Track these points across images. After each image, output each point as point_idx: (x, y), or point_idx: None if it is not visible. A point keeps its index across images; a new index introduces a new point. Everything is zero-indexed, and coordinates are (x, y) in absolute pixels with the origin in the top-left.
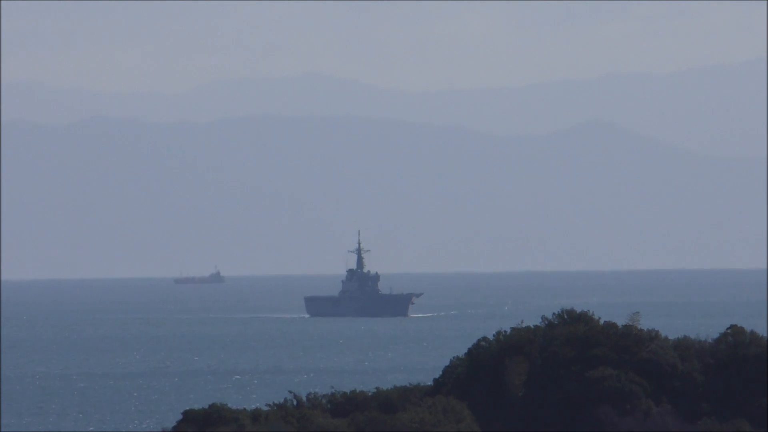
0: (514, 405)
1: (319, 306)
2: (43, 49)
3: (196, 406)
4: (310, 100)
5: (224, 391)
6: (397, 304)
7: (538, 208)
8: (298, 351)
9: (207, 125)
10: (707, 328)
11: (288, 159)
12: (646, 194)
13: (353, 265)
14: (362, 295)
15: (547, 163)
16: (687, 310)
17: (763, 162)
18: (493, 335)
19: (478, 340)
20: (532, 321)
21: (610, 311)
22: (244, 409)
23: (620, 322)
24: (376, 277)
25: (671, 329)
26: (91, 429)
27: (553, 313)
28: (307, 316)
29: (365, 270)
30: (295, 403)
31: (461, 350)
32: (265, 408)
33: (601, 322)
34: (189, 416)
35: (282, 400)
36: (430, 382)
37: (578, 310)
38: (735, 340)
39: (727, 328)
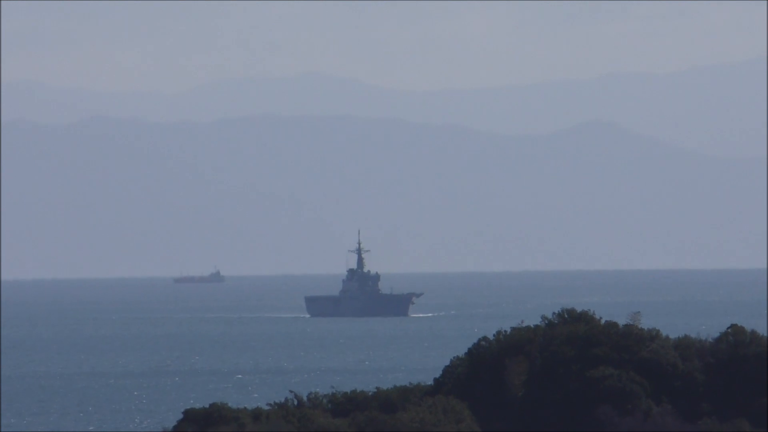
0: (514, 405)
1: (319, 306)
2: (44, 49)
3: (197, 406)
4: (310, 99)
5: (225, 391)
6: (398, 304)
7: (538, 208)
8: (298, 351)
9: (207, 125)
10: (708, 328)
11: (288, 159)
12: (646, 194)
13: (354, 265)
14: (363, 294)
15: (547, 162)
16: (687, 309)
17: (763, 162)
18: (494, 335)
19: (479, 340)
20: (533, 320)
21: (610, 311)
22: (245, 408)
23: (621, 321)
24: (377, 277)
25: (672, 329)
26: (91, 428)
27: (554, 313)
28: (308, 315)
29: (366, 270)
30: (295, 402)
31: (461, 350)
32: (266, 407)
33: (602, 321)
34: (190, 416)
35: (283, 400)
36: (430, 382)
37: (579, 309)
38: (735, 339)
39: (728, 328)
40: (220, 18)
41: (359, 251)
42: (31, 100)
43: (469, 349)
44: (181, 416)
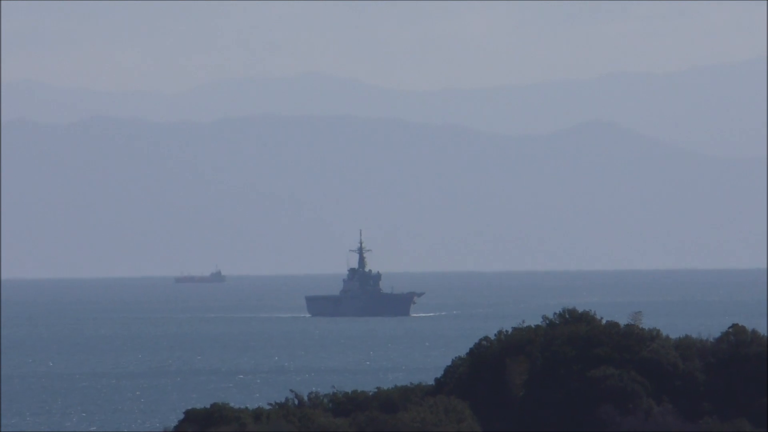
0: (515, 405)
1: (320, 305)
2: (44, 49)
3: (198, 406)
4: (310, 99)
5: (226, 391)
6: (399, 304)
7: (538, 208)
8: (299, 350)
9: (208, 125)
10: (708, 328)
11: (289, 159)
12: (646, 194)
13: (355, 265)
14: (364, 294)
15: (547, 162)
16: (688, 309)
17: (763, 162)
18: (495, 335)
19: (480, 340)
20: (534, 320)
21: (611, 311)
22: (246, 408)
23: (621, 321)
24: (378, 277)
25: (672, 328)
26: (93, 429)
27: (555, 313)
28: (309, 315)
29: (367, 269)
30: (296, 402)
31: (463, 350)
32: (267, 407)
33: (603, 321)
34: (191, 415)
35: (283, 400)
36: (431, 382)
37: (580, 309)
38: (736, 339)
39: (729, 327)
40: (220, 18)
41: (360, 251)
42: (32, 100)
43: (471, 349)
44: (182, 416)
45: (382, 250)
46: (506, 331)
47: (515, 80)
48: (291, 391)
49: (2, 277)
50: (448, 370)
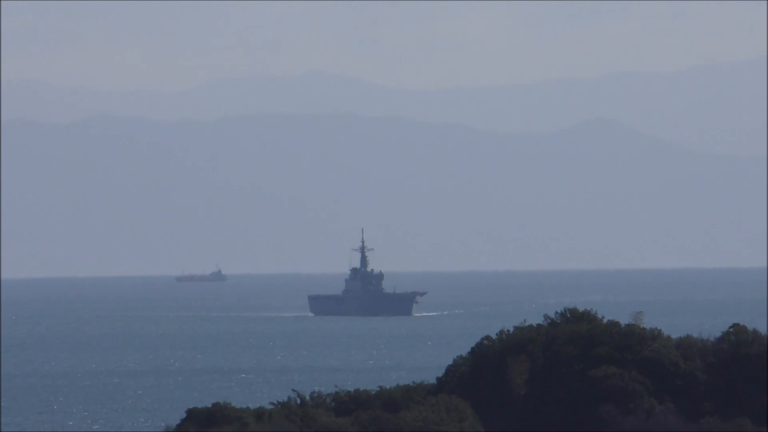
0: (516, 404)
1: (322, 304)
2: (45, 48)
3: (200, 405)
4: (312, 98)
5: (228, 390)
6: (401, 303)
7: (540, 207)
8: (301, 350)
9: (209, 124)
10: (709, 327)
11: (290, 157)
12: (647, 193)
13: (357, 264)
14: (366, 293)
15: (548, 161)
16: (689, 308)
17: (764, 160)
18: (497, 334)
19: (482, 339)
20: (535, 320)
21: (613, 310)
22: (248, 407)
23: (623, 320)
24: (380, 276)
25: (674, 328)
26: (95, 428)
27: (556, 312)
28: (311, 314)
29: (369, 269)
30: (298, 401)
31: (464, 349)
32: (269, 407)
33: (604, 321)
34: (192, 415)
35: (285, 399)
36: (433, 381)
37: (581, 308)
38: (737, 338)
39: (730, 327)
40: (222, 16)
41: (362, 250)
42: (32, 99)
43: (472, 348)
44: (183, 415)
45: (384, 250)
46: (508, 330)
47: (517, 79)
48: (293, 390)
49: (2, 277)
50: (450, 369)
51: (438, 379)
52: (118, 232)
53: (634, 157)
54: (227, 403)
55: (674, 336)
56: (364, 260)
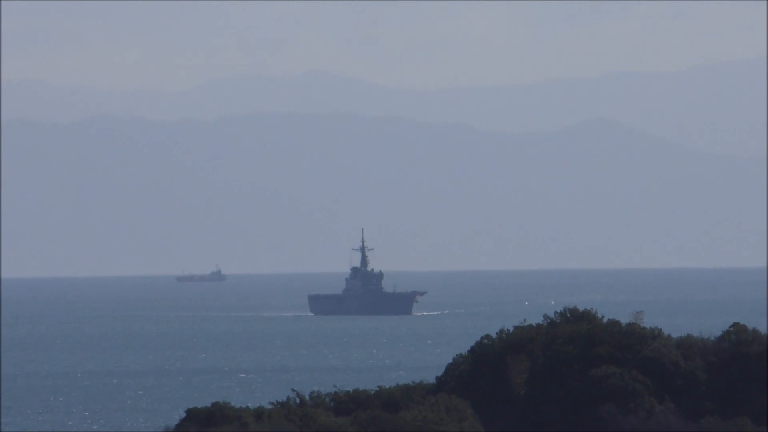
0: (516, 403)
1: (322, 304)
2: (45, 48)
3: (199, 405)
4: (313, 98)
5: (227, 390)
6: (401, 303)
7: (540, 207)
8: (301, 349)
9: (210, 123)
10: (709, 327)
11: (291, 157)
12: (648, 192)
13: (357, 263)
14: (366, 293)
15: (549, 161)
16: (689, 308)
17: (764, 160)
18: (496, 333)
19: (481, 338)
20: (535, 319)
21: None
22: (247, 407)
23: (623, 320)
24: (380, 276)
25: (674, 327)
26: (95, 428)
27: (556, 312)
28: (311, 314)
29: (369, 268)
30: (298, 401)
31: (464, 348)
32: (268, 406)
33: (604, 320)
34: (192, 415)
35: (285, 399)
36: (433, 380)
37: (581, 308)
38: (737, 338)
39: (730, 326)
40: (222, 16)
41: (363, 249)
42: (33, 99)
43: (472, 348)
44: (183, 415)
45: (384, 249)
46: (508, 329)
47: (517, 79)
48: (293, 390)
49: (2, 277)
50: (450, 369)
51: (438, 378)
52: (119, 232)
53: (634, 156)
54: (227, 403)
55: (675, 335)
56: (364, 260)
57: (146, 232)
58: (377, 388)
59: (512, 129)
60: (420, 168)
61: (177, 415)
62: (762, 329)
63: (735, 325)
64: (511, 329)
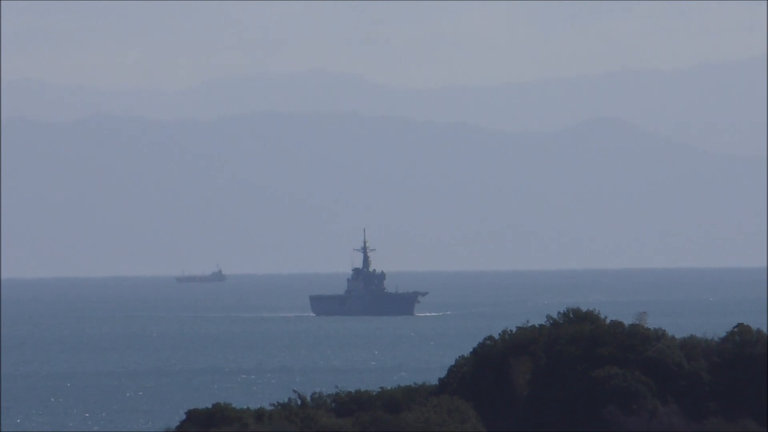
0: (519, 404)
1: (324, 305)
2: (45, 47)
3: (200, 406)
4: (314, 97)
5: (228, 391)
6: (403, 303)
7: (542, 206)
8: (302, 350)
9: (210, 123)
10: (711, 327)
11: (291, 156)
12: (650, 191)
13: (359, 264)
14: (368, 293)
15: (552, 160)
16: (690, 308)
17: (764, 160)
18: (499, 334)
19: (484, 339)
20: (538, 320)
21: (616, 310)
22: (248, 408)
23: (626, 321)
24: (382, 276)
25: (678, 328)
26: (95, 428)
27: (559, 312)
28: (313, 314)
29: (371, 269)
30: (299, 402)
31: (467, 349)
32: (269, 407)
33: (607, 321)
34: (193, 416)
35: (286, 400)
36: (435, 382)
37: (584, 309)
38: (741, 339)
39: (734, 327)
40: (222, 16)
41: (365, 250)
42: (32, 98)
43: (474, 349)
44: (184, 416)
45: (386, 250)
46: (510, 330)
47: (520, 78)
48: (294, 391)
49: (2, 277)
50: (452, 370)
51: (440, 379)
52: (119, 232)
53: (637, 155)
54: (227, 403)
55: (678, 336)
56: (366, 260)
57: (146, 232)
58: (379, 389)
59: (514, 128)
60: (421, 167)
61: (177, 416)
62: (764, 329)
63: (739, 325)
64: (514, 330)
